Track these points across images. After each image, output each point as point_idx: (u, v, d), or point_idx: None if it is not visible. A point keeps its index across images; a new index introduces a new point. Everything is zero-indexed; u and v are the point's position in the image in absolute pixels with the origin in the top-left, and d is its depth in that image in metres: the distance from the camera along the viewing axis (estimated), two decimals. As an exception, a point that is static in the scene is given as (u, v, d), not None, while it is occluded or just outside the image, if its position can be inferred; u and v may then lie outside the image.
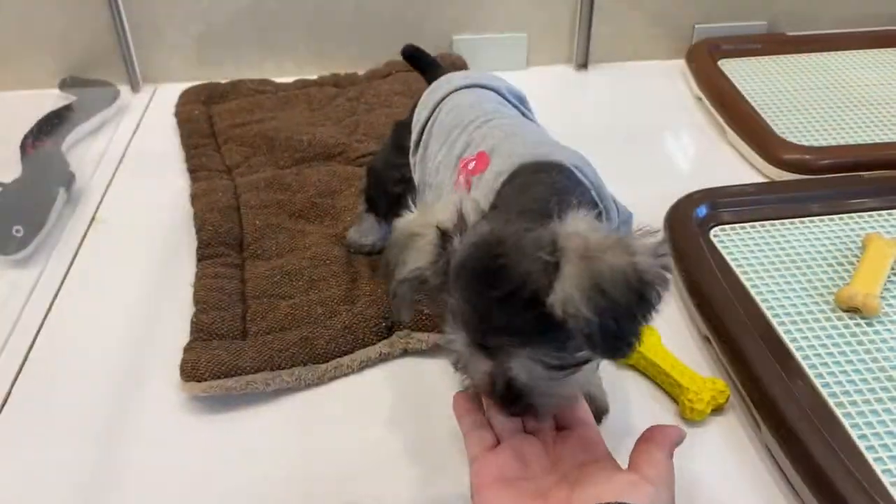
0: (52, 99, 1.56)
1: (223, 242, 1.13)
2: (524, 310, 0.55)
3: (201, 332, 0.97)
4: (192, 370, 0.91)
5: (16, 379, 0.98)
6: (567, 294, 0.53)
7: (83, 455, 0.88)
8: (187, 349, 0.95)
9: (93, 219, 1.26)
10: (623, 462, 0.65)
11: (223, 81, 1.61)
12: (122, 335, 1.04)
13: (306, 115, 1.50)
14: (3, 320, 1.07)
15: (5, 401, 0.95)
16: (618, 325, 0.54)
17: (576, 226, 0.57)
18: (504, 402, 0.63)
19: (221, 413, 0.92)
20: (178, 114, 1.52)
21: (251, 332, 0.98)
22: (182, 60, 1.66)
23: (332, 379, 0.95)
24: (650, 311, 0.55)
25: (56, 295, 1.11)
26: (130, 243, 1.21)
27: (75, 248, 1.20)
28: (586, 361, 0.60)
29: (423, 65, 1.11)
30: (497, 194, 0.71)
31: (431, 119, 0.92)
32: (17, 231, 1.16)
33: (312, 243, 1.14)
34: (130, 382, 0.97)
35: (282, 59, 1.68)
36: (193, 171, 1.34)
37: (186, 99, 1.56)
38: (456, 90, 0.93)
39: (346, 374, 0.96)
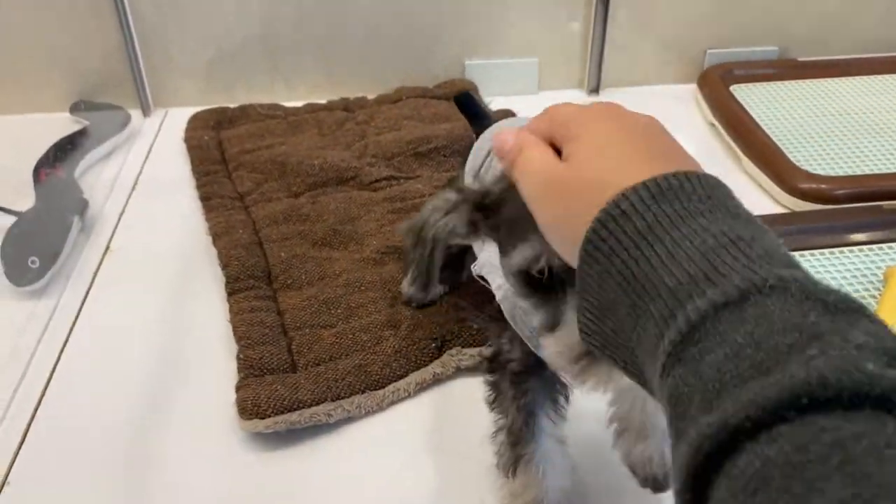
0: (62, 122, 1.56)
1: (251, 276, 1.13)
2: None
3: (252, 368, 0.96)
4: (252, 407, 0.90)
5: (35, 412, 0.97)
6: None
7: (107, 494, 0.87)
8: (241, 387, 0.94)
9: (107, 248, 1.25)
10: None
11: (233, 106, 1.61)
12: (143, 367, 1.03)
13: (316, 140, 1.49)
14: (21, 352, 1.06)
15: (25, 435, 0.94)
16: None
17: None
18: None
19: (256, 447, 0.92)
20: (187, 140, 1.52)
21: (300, 365, 0.98)
22: (193, 85, 1.65)
23: (390, 404, 0.96)
24: None
25: (73, 326, 1.10)
26: (146, 272, 1.20)
27: (90, 277, 1.19)
28: None
29: (472, 113, 1.12)
30: None
31: (484, 166, 0.92)
32: (33, 262, 1.15)
33: (343, 270, 1.14)
34: (155, 414, 0.96)
35: (292, 83, 1.68)
36: (206, 199, 1.33)
37: (195, 124, 1.55)
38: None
39: (402, 399, 0.97)
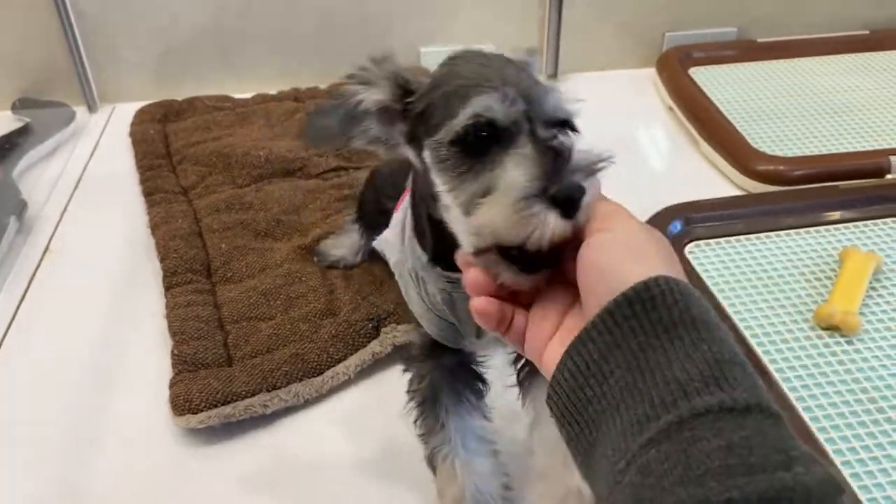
0: (3, 121, 1.51)
1: (190, 269, 1.10)
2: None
3: (185, 363, 0.94)
4: (184, 402, 0.88)
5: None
6: None
7: (40, 494, 0.84)
8: (174, 383, 0.91)
9: (46, 248, 1.21)
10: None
11: (181, 99, 1.57)
12: (82, 368, 1.00)
13: (265, 131, 1.45)
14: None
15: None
16: None
17: None
18: (559, 161, 0.53)
19: (199, 444, 0.89)
20: (132, 134, 1.48)
21: (236, 358, 0.96)
22: (141, 79, 1.61)
23: (331, 390, 0.94)
24: None
25: (8, 328, 1.06)
26: (87, 273, 1.16)
27: (28, 278, 1.15)
28: None
29: None
30: None
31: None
32: (-34, 264, 1.11)
33: (284, 260, 1.11)
34: (92, 416, 0.93)
35: (244, 76, 1.64)
36: (149, 194, 1.30)
37: (141, 118, 1.51)
38: None
39: (343, 383, 0.94)
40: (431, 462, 0.75)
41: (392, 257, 0.74)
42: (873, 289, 1.03)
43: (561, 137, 0.56)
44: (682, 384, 0.41)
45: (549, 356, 0.51)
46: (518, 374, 0.75)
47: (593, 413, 0.45)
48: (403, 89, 0.60)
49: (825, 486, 0.37)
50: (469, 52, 0.61)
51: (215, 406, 0.87)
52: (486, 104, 0.54)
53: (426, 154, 0.59)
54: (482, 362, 0.77)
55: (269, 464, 0.87)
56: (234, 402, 0.88)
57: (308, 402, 0.92)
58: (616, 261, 0.48)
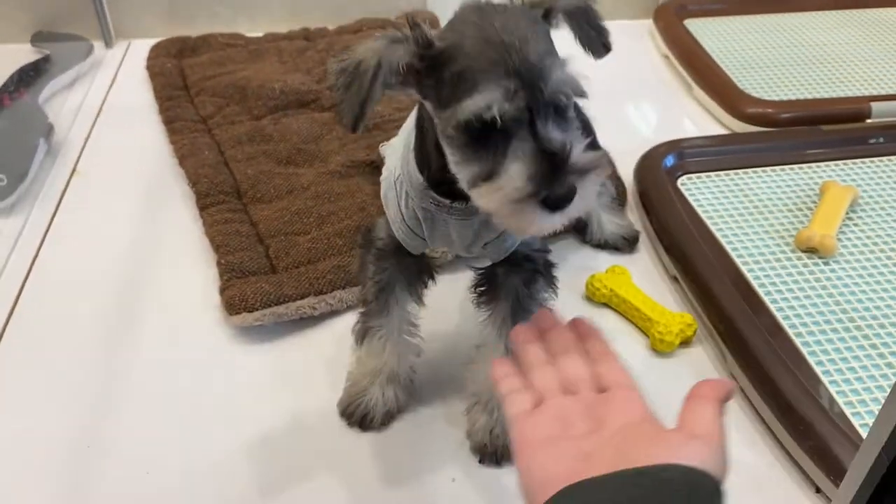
0: (24, 54, 1.55)
1: (221, 191, 1.16)
2: (544, 30, 0.64)
3: (233, 271, 1.01)
4: (240, 303, 0.95)
5: (6, 324, 1.00)
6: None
7: (74, 402, 0.90)
8: (226, 287, 0.99)
9: (74, 170, 1.27)
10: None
11: (194, 36, 1.62)
12: (113, 279, 1.07)
13: (277, 67, 1.52)
14: (-9, 267, 1.08)
15: (-4, 345, 0.97)
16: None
17: None
18: (556, 166, 0.59)
19: (243, 342, 0.97)
20: (149, 67, 1.53)
21: (280, 268, 1.03)
22: (155, 16, 1.66)
23: None
24: None
25: (42, 242, 1.13)
26: (114, 192, 1.23)
27: (58, 197, 1.22)
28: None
29: None
30: None
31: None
32: (1, 180, 1.17)
33: (310, 183, 1.17)
34: (132, 323, 1.00)
35: (255, 15, 1.69)
36: (169, 122, 1.36)
37: (157, 53, 1.57)
38: None
39: None
40: (362, 335, 0.84)
41: (389, 161, 0.79)
42: (850, 219, 1.12)
43: (559, 133, 0.60)
44: None
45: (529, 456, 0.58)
46: (478, 298, 0.82)
47: None
48: (424, 46, 0.61)
49: None
50: (483, 7, 0.62)
51: (269, 305, 0.95)
52: (488, 101, 0.58)
53: (436, 121, 0.64)
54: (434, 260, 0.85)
55: (313, 360, 0.95)
56: (287, 303, 0.96)
57: (349, 307, 1.00)
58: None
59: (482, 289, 0.81)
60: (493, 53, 0.59)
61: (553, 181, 0.58)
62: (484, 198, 0.61)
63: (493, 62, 0.59)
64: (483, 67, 0.59)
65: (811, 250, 1.06)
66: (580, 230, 1.11)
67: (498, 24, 0.60)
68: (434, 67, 0.61)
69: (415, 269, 0.81)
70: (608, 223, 1.11)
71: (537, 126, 0.59)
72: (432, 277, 0.84)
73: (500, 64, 0.59)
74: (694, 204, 1.15)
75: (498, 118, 0.58)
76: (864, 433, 0.80)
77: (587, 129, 0.92)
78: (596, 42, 0.71)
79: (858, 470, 0.54)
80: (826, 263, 1.04)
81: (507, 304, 0.78)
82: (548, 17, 0.66)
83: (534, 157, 0.58)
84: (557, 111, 0.61)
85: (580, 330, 0.68)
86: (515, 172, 0.58)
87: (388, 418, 0.87)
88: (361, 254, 0.83)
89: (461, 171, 0.63)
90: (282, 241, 1.06)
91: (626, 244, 1.11)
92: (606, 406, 0.61)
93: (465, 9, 0.63)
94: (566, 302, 0.92)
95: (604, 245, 1.11)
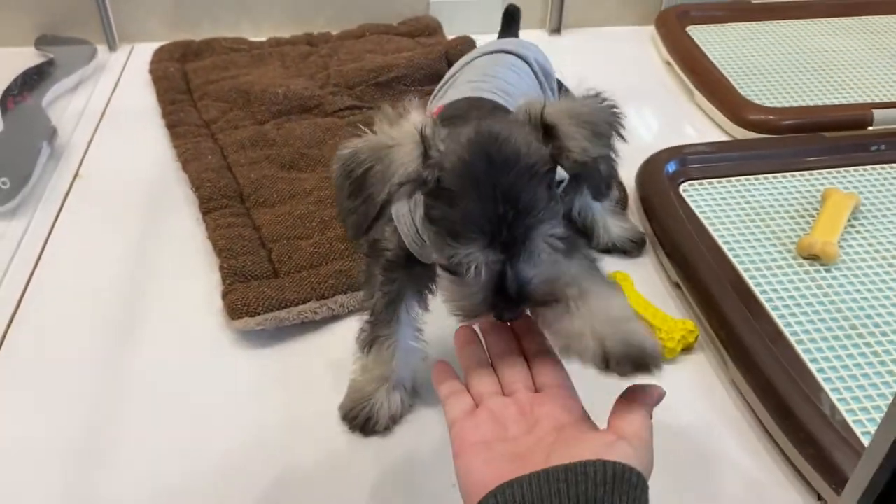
0: (28, 57, 1.56)
1: (224, 196, 1.16)
2: (538, 182, 0.61)
3: (236, 275, 1.01)
4: (242, 307, 0.95)
5: (8, 327, 1.00)
6: (579, 142, 0.62)
7: (75, 405, 0.90)
8: (228, 291, 0.99)
9: (76, 173, 1.27)
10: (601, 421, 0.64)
11: (198, 40, 1.62)
12: (115, 283, 1.07)
13: (280, 72, 1.52)
14: (-6, 269, 1.08)
15: (-2, 348, 0.97)
16: (608, 165, 0.66)
17: (545, 102, 0.64)
18: (511, 300, 0.63)
19: (245, 346, 0.97)
20: (152, 71, 1.54)
21: (282, 272, 1.03)
22: (159, 20, 1.67)
23: None
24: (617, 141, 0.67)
25: (45, 245, 1.13)
26: (116, 196, 1.23)
27: (61, 200, 1.22)
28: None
29: (507, 26, 1.17)
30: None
31: (455, 76, 0.95)
32: (4, 183, 1.17)
33: (313, 188, 1.18)
34: (133, 327, 1.00)
35: (258, 19, 1.69)
36: (172, 126, 1.36)
37: (160, 57, 1.57)
38: (480, 56, 0.97)
39: None
40: (370, 344, 0.84)
41: None
42: (851, 226, 1.12)
43: (529, 270, 0.62)
44: None
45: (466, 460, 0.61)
46: None
47: None
48: (425, 150, 0.61)
49: None
50: (479, 150, 0.60)
51: (271, 310, 0.95)
52: (472, 255, 0.60)
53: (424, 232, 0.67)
54: None
55: (314, 365, 0.95)
56: (288, 308, 0.96)
57: (351, 312, 1.00)
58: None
59: None
60: (481, 212, 0.59)
61: (506, 309, 0.64)
62: (446, 292, 0.66)
63: (480, 224, 0.60)
64: (469, 227, 0.60)
65: (813, 257, 1.06)
66: (587, 235, 1.11)
67: (495, 179, 0.59)
68: (440, 197, 0.62)
69: (423, 278, 0.81)
70: (614, 227, 1.11)
71: (509, 266, 0.61)
72: (433, 288, 0.83)
73: (486, 226, 0.59)
74: (696, 210, 1.15)
75: (472, 269, 0.61)
76: (865, 441, 0.81)
77: (608, 184, 0.74)
78: (597, 191, 0.68)
79: (861, 478, 0.54)
80: (828, 270, 1.05)
81: None
82: (554, 161, 0.63)
83: (494, 292, 0.62)
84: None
85: (518, 328, 0.70)
86: (476, 297, 0.63)
87: (391, 423, 0.87)
88: (369, 263, 0.83)
89: (436, 258, 0.67)
90: (284, 246, 1.07)
91: (634, 246, 1.12)
92: (541, 407, 0.64)
93: (469, 138, 0.61)
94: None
95: (612, 249, 1.11)
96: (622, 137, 0.67)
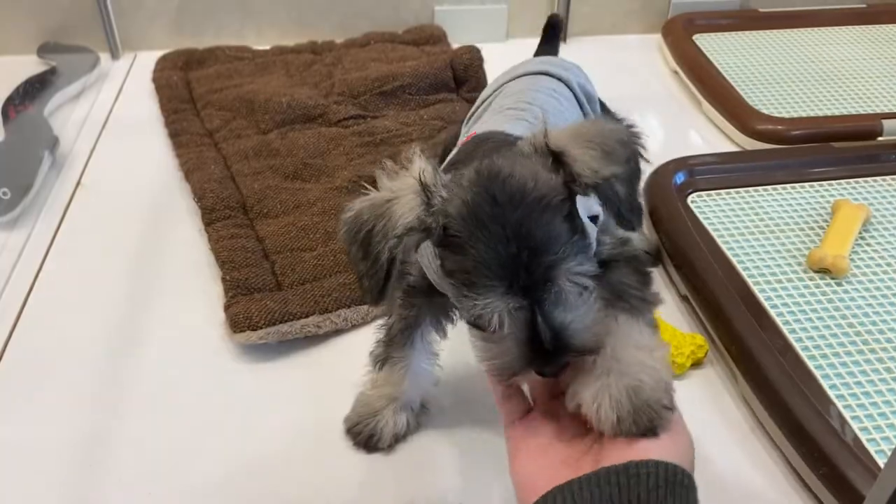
0: (30, 65, 1.55)
1: (227, 206, 1.15)
2: (552, 216, 0.58)
3: (238, 287, 1.00)
4: (244, 320, 0.94)
5: (9, 338, 0.99)
6: (587, 163, 0.59)
7: (76, 419, 0.89)
8: (230, 304, 0.98)
9: (78, 182, 1.26)
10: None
11: (201, 48, 1.62)
12: (117, 294, 1.06)
13: (284, 80, 1.51)
14: (-7, 280, 1.07)
15: (-1, 359, 0.96)
16: (628, 187, 0.61)
17: (550, 130, 0.62)
18: (548, 352, 0.59)
19: (246, 360, 0.96)
20: (155, 79, 1.53)
21: (285, 285, 1.02)
22: (162, 28, 1.66)
23: (374, 318, 0.98)
24: (640, 167, 0.65)
25: (46, 255, 1.12)
26: (119, 206, 1.22)
27: (62, 210, 1.21)
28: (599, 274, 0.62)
29: (548, 38, 1.15)
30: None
31: (489, 99, 0.93)
32: (5, 194, 1.16)
33: (317, 199, 1.17)
34: (134, 336, 0.99)
35: (262, 28, 1.69)
36: (175, 135, 1.35)
37: (163, 65, 1.56)
38: (518, 77, 0.95)
39: None
40: (382, 363, 0.82)
41: None
42: (862, 238, 1.10)
43: (562, 314, 0.58)
44: None
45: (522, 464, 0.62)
46: None
47: None
48: (427, 199, 0.60)
49: None
50: (481, 190, 0.58)
51: (273, 324, 0.94)
52: (491, 304, 0.57)
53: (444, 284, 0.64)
54: None
55: (316, 380, 0.93)
56: (291, 322, 0.95)
57: (355, 326, 0.99)
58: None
59: None
60: (496, 257, 0.57)
61: (545, 362, 0.59)
62: (482, 354, 0.62)
63: (494, 266, 0.57)
64: (484, 269, 0.57)
65: (823, 271, 1.04)
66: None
67: (502, 219, 0.57)
68: (451, 249, 0.60)
69: (443, 308, 0.78)
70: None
71: (537, 312, 0.58)
72: (454, 319, 0.81)
73: (500, 269, 0.57)
74: (704, 222, 1.14)
75: (495, 318, 0.58)
76: (878, 459, 0.79)
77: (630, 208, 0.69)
78: (620, 216, 0.62)
79: (877, 499, 0.53)
80: (839, 284, 1.03)
81: None
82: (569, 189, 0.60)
83: (528, 344, 0.58)
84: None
85: None
86: (510, 353, 0.59)
87: (394, 441, 0.85)
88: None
89: (468, 326, 0.64)
90: (288, 258, 1.05)
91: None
92: None
93: (470, 179, 0.59)
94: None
95: None
96: (643, 157, 0.65)
